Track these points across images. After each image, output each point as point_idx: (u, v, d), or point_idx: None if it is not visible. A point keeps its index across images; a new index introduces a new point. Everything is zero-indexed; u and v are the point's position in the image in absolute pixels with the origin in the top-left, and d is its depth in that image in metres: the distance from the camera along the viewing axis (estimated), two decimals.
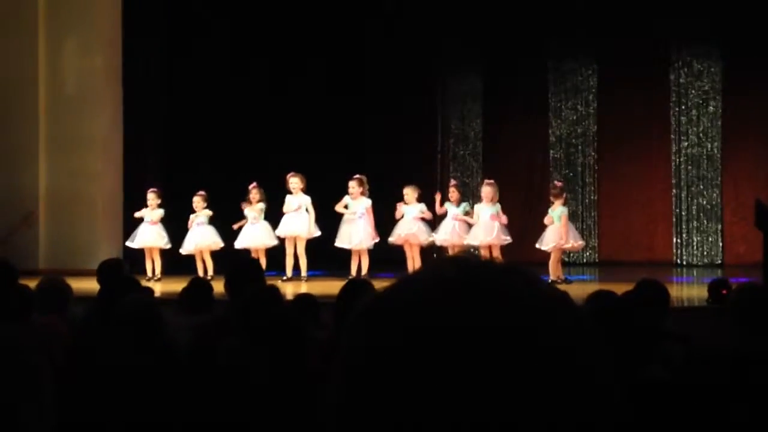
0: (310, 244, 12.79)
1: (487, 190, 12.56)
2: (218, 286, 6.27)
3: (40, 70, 14.14)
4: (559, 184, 12.71)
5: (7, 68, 14.07)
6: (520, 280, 0.85)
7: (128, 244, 13.04)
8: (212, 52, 14.68)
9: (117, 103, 14.16)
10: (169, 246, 12.98)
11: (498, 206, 12.48)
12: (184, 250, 12.93)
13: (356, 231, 12.59)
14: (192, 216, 12.88)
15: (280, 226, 12.71)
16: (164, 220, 13.03)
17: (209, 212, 12.87)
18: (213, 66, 14.71)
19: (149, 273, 12.77)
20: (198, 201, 12.83)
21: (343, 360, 0.84)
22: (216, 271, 12.32)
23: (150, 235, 12.86)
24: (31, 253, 13.71)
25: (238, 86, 14.99)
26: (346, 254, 12.88)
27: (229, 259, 11.19)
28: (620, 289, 5.38)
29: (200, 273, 12.45)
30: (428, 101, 16.74)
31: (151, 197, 12.88)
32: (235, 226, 12.82)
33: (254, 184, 12.80)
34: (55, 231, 14.02)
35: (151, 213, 12.87)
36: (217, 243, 12.88)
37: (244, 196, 12.83)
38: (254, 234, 12.75)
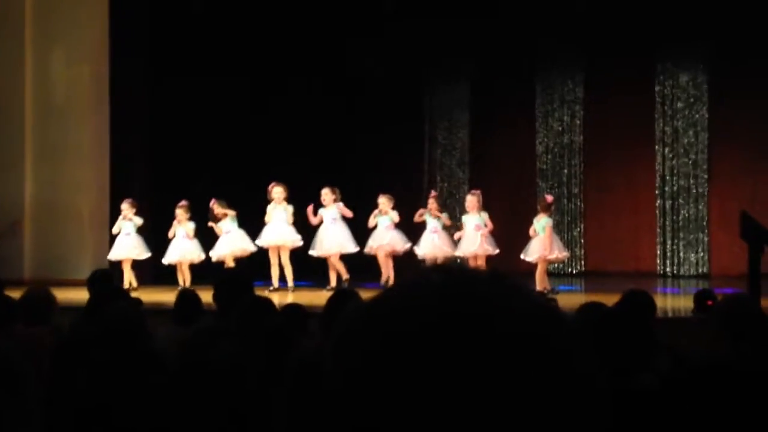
0: (298, 254, 12.77)
1: (469, 199, 12.60)
2: (203, 297, 6.25)
3: (27, 79, 14.11)
4: (549, 199, 12.70)
5: None
6: (504, 287, 0.85)
7: (109, 257, 12.95)
8: (199, 63, 14.67)
9: (104, 113, 14.13)
10: (147, 256, 12.92)
11: (484, 216, 12.49)
12: (167, 260, 12.89)
13: (327, 237, 12.60)
14: (174, 225, 12.82)
15: (261, 235, 12.69)
16: (144, 230, 12.99)
17: (193, 225, 12.82)
18: (200, 77, 14.69)
19: (126, 284, 12.69)
20: (181, 213, 12.78)
21: (331, 367, 0.84)
22: (192, 282, 12.29)
23: (126, 246, 12.82)
24: (17, 262, 13.66)
25: (225, 96, 14.99)
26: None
27: (213, 270, 11.15)
28: (607, 299, 5.40)
29: (181, 283, 12.43)
30: (415, 111, 16.77)
31: (126, 207, 12.84)
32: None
33: (213, 201, 12.74)
34: (40, 241, 13.97)
35: (127, 223, 12.80)
36: (200, 256, 12.85)
37: (208, 217, 12.77)
38: (230, 242, 12.72)
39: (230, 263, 12.46)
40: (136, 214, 12.86)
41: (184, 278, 12.77)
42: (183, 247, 12.79)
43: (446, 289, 0.84)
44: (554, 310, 0.86)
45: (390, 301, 0.85)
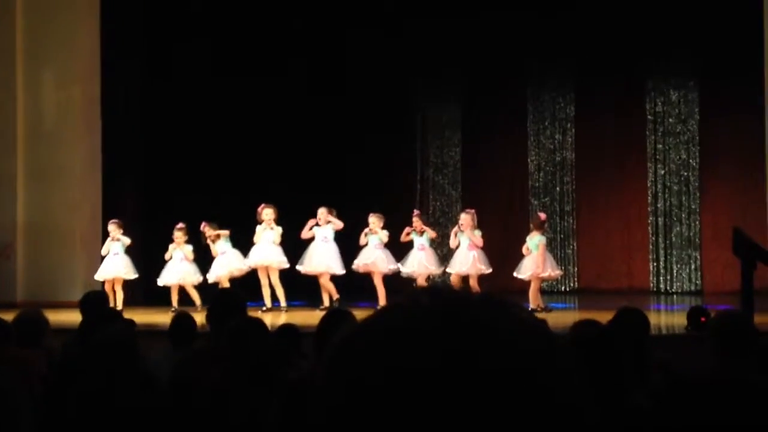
0: (290, 274, 12.75)
1: (464, 218, 12.61)
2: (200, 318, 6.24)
3: (18, 101, 14.09)
4: (542, 217, 12.73)
5: None
6: (493, 311, 0.85)
7: (96, 277, 12.90)
8: (191, 84, 14.69)
9: (95, 135, 14.12)
10: (135, 276, 12.91)
11: (477, 233, 12.49)
12: (162, 281, 12.85)
13: (316, 256, 12.59)
14: (171, 247, 12.80)
15: (250, 256, 12.68)
16: (135, 250, 12.97)
17: (190, 247, 12.79)
18: (192, 98, 14.72)
19: (112, 304, 12.65)
20: (179, 235, 12.75)
21: (321, 397, 0.84)
22: (185, 304, 12.24)
23: (114, 266, 12.78)
24: (9, 285, 13.62)
25: (217, 118, 15.01)
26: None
27: (211, 292, 11.13)
28: (600, 317, 5.39)
29: (174, 305, 12.37)
30: (407, 130, 16.80)
31: (113, 228, 12.82)
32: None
33: (203, 224, 12.73)
34: (33, 263, 13.92)
35: (115, 244, 12.78)
36: (198, 278, 12.83)
37: (202, 238, 12.75)
38: (226, 262, 12.70)
39: (226, 284, 12.43)
40: (124, 234, 12.84)
41: (192, 298, 12.69)
42: (181, 270, 12.75)
43: (434, 316, 0.83)
44: (544, 336, 0.85)
45: (376, 330, 0.85)
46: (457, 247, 12.57)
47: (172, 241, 12.83)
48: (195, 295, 12.68)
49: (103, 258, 12.93)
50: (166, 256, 12.80)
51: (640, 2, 15.35)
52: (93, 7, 14.04)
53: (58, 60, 14.11)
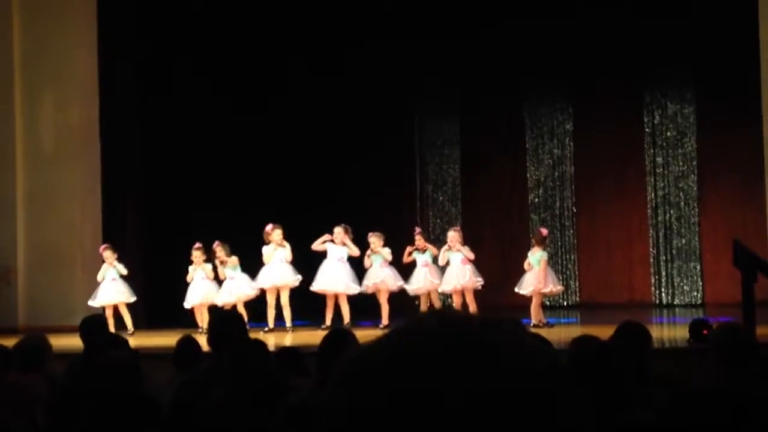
0: (294, 293, 12.73)
1: (451, 235, 12.61)
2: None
3: (17, 124, 14.11)
4: (544, 232, 12.73)
5: None
6: (501, 333, 0.86)
7: (90, 303, 12.82)
8: (190, 105, 14.73)
9: (95, 157, 14.13)
10: (134, 299, 12.88)
11: (465, 249, 12.48)
12: (189, 303, 12.77)
13: (333, 275, 12.56)
14: (191, 269, 12.74)
15: (260, 277, 12.65)
16: (134, 273, 12.96)
17: (210, 266, 12.74)
18: (190, 119, 14.75)
19: (113, 329, 12.62)
20: (197, 255, 12.67)
21: (327, 420, 0.84)
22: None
23: (114, 291, 12.76)
24: (10, 310, 13.59)
25: (217, 137, 15.04)
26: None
27: (214, 313, 11.09)
28: (602, 331, 5.39)
29: (201, 325, 12.20)
30: (405, 147, 16.82)
31: (108, 254, 12.79)
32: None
33: (216, 243, 12.71)
34: (33, 287, 13.90)
35: (111, 269, 12.76)
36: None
37: (212, 256, 12.72)
38: (236, 288, 12.67)
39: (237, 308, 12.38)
40: (122, 257, 12.83)
41: (202, 320, 12.58)
42: (204, 289, 12.69)
43: (440, 340, 0.84)
44: (547, 359, 0.86)
45: (382, 353, 0.85)
46: (447, 265, 12.54)
47: (176, 261, 12.77)
48: (206, 317, 12.59)
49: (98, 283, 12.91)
50: (188, 278, 12.73)
51: (637, 16, 15.41)
52: (90, 28, 14.08)
53: (57, 82, 14.14)
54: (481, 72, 16.02)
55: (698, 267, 15.74)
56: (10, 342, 5.96)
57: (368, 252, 12.63)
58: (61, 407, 4.90)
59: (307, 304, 12.99)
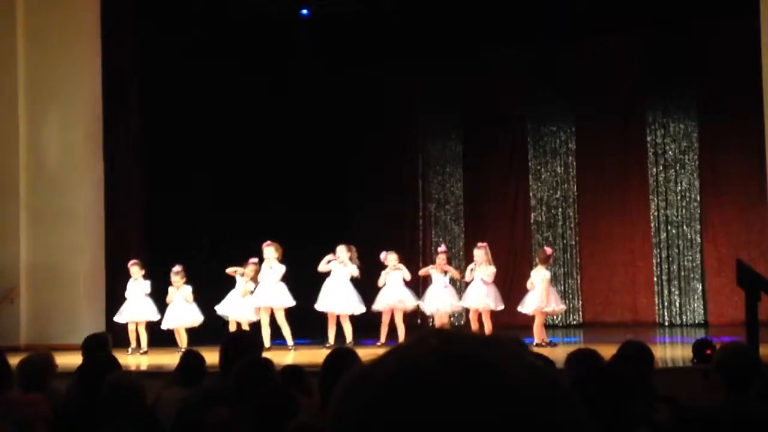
0: (296, 312, 12.66)
1: (479, 253, 12.53)
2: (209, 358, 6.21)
3: (21, 143, 14.13)
4: (548, 251, 12.67)
5: None
6: (504, 353, 0.86)
7: (116, 319, 12.87)
8: (192, 125, 14.77)
9: (98, 176, 14.14)
10: (158, 318, 12.90)
11: (490, 270, 12.43)
12: (165, 325, 12.80)
13: (338, 295, 12.51)
14: (171, 290, 12.77)
15: (255, 295, 12.58)
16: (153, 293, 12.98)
17: (189, 288, 12.75)
18: (193, 139, 14.79)
19: (133, 345, 12.65)
20: (177, 278, 12.70)
21: None
22: (191, 344, 12.22)
23: (139, 308, 12.77)
24: (13, 329, 13.58)
25: (220, 158, 15.08)
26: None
27: (222, 331, 11.06)
28: (604, 350, 5.39)
29: (181, 346, 12.29)
30: (409, 166, 16.85)
31: (135, 270, 12.80)
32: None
33: (255, 259, 12.69)
34: (36, 306, 13.89)
35: (139, 285, 12.78)
36: (199, 319, 12.76)
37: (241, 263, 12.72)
38: (238, 305, 12.64)
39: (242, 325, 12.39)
40: (144, 277, 12.83)
41: (180, 340, 12.67)
42: (181, 313, 12.70)
43: (442, 359, 0.84)
44: (550, 380, 0.86)
45: (383, 374, 0.86)
46: (470, 282, 12.51)
47: (170, 284, 12.77)
48: (184, 338, 12.64)
49: (117, 297, 12.91)
50: (168, 300, 12.76)
51: (639, 35, 15.45)
52: (94, 48, 14.11)
53: (61, 102, 14.17)
54: (484, 91, 16.06)
55: (701, 286, 15.71)
56: (14, 360, 5.95)
57: (387, 270, 12.56)
58: (60, 425, 4.90)
59: (308, 323, 12.94)
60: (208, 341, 9.44)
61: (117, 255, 13.66)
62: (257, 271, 12.58)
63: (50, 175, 14.15)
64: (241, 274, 12.64)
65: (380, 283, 12.62)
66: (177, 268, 12.75)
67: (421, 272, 12.86)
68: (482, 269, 12.40)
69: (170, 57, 14.57)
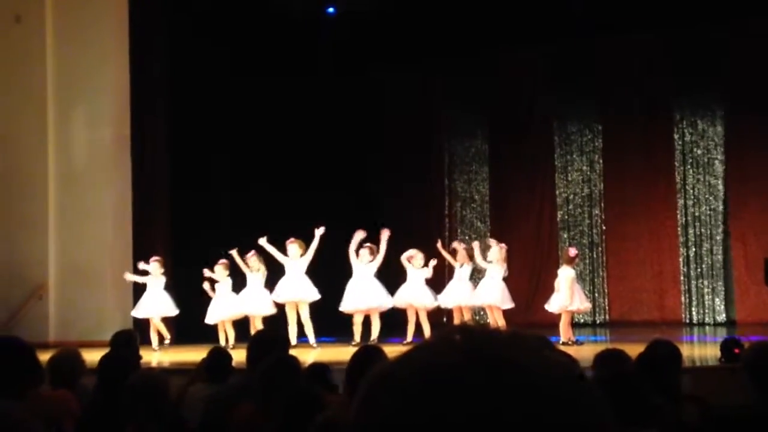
0: (320, 310, 12.65)
1: (496, 251, 12.54)
2: (238, 356, 6.23)
3: (50, 141, 14.24)
4: (572, 252, 12.60)
5: (18, 140, 14.19)
6: (527, 350, 0.86)
7: (133, 314, 12.95)
8: (219, 123, 14.82)
9: (126, 174, 14.22)
10: (177, 312, 12.94)
11: (504, 266, 12.46)
12: (210, 320, 12.77)
13: (364, 294, 12.50)
14: (216, 285, 12.73)
15: (276, 291, 12.51)
16: (169, 288, 13.02)
17: (230, 281, 12.77)
18: (220, 137, 14.84)
19: (155, 343, 12.70)
20: (220, 269, 12.66)
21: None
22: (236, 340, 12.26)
23: (157, 303, 12.82)
24: (42, 325, 13.68)
25: (247, 155, 15.12)
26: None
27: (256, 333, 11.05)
28: (631, 349, 5.36)
29: (222, 343, 12.24)
30: (435, 165, 16.84)
31: (156, 266, 12.85)
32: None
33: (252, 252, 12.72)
34: (64, 303, 14.00)
35: (156, 281, 12.84)
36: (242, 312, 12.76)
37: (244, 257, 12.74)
38: (252, 300, 12.62)
39: (259, 323, 12.39)
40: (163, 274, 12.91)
41: (227, 336, 12.58)
42: (223, 305, 12.69)
43: (465, 357, 0.84)
44: (572, 378, 0.86)
45: (407, 369, 0.86)
46: (483, 277, 12.53)
47: (204, 278, 12.78)
48: (231, 334, 12.61)
49: (138, 295, 13.00)
50: (211, 293, 12.76)
51: (666, 33, 15.37)
52: (122, 47, 14.19)
53: (89, 100, 14.26)
54: (510, 90, 16.03)
55: (729, 285, 15.61)
56: (43, 357, 5.99)
57: (431, 262, 12.53)
58: (88, 422, 4.93)
59: (331, 321, 12.88)
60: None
61: (145, 252, 13.72)
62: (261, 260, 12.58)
63: (78, 172, 14.24)
64: (257, 270, 12.62)
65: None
66: (223, 260, 12.69)
67: (442, 251, 12.92)
68: (497, 268, 12.39)
69: (198, 55, 14.63)
